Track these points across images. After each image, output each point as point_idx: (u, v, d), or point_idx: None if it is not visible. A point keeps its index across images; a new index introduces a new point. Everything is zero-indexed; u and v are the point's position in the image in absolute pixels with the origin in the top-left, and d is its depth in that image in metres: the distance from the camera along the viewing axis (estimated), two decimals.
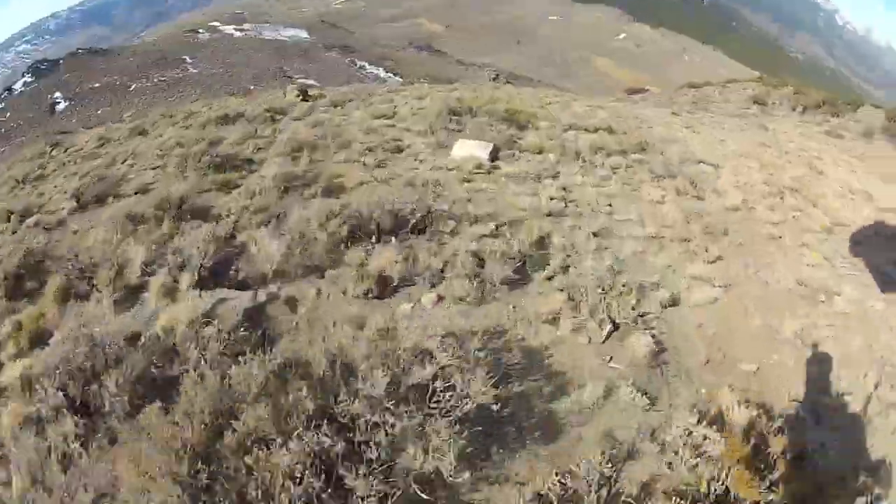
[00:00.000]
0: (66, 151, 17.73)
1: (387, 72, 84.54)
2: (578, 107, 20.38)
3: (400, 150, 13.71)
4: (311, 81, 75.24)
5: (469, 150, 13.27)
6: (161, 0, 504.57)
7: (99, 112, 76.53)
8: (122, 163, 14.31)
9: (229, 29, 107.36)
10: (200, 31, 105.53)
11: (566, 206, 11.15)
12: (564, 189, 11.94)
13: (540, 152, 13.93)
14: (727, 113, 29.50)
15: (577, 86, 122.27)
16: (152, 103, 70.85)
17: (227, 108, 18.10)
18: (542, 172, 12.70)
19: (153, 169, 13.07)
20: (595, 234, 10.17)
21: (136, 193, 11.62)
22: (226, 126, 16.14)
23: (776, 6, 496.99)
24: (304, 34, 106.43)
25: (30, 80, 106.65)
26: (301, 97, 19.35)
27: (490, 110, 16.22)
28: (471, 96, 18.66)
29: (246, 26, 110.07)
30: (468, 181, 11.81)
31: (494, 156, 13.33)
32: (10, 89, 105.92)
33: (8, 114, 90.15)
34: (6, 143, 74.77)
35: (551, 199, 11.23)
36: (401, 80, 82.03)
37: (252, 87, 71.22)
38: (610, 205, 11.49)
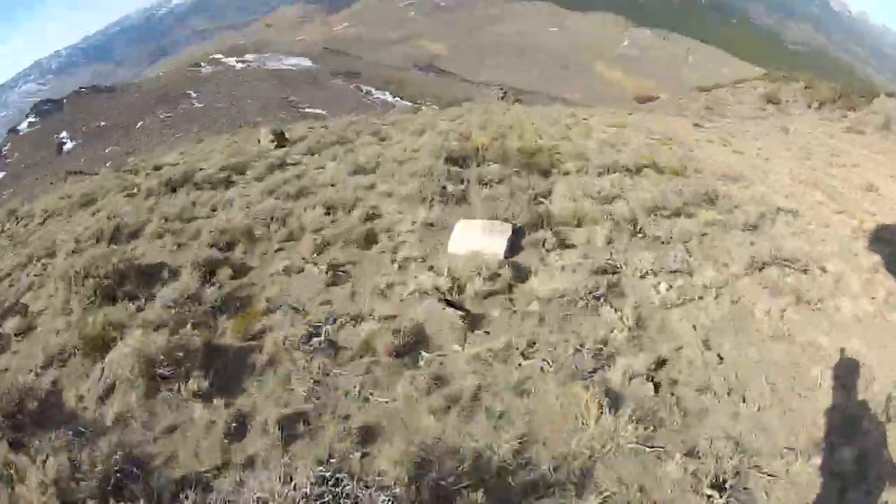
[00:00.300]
0: (18, 222, 13.30)
1: (393, 95, 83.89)
2: (600, 126, 18.66)
3: (373, 238, 9.40)
4: (317, 110, 74.70)
5: (476, 238, 8.83)
6: (163, 35, 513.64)
7: (107, 150, 75.98)
8: (37, 262, 10.03)
9: (231, 61, 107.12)
10: (203, 64, 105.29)
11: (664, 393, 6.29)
12: (639, 323, 7.29)
13: (579, 224, 9.65)
14: (743, 115, 29.02)
15: (584, 97, 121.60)
16: (160, 140, 70.30)
17: (176, 170, 14.05)
18: (593, 285, 7.72)
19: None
20: None
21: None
22: (169, 196, 12.46)
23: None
24: (307, 62, 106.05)
25: (34, 120, 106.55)
26: (276, 142, 16.00)
27: (501, 152, 12.89)
28: (478, 127, 17.21)
29: (248, 57, 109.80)
30: (474, 328, 7.14)
31: (513, 245, 8.87)
32: (15, 130, 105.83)
33: (15, 154, 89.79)
34: (17, 182, 74.12)
35: (630, 378, 6.28)
36: (408, 103, 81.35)
37: (259, 119, 70.49)
38: (726, 367, 6.76)
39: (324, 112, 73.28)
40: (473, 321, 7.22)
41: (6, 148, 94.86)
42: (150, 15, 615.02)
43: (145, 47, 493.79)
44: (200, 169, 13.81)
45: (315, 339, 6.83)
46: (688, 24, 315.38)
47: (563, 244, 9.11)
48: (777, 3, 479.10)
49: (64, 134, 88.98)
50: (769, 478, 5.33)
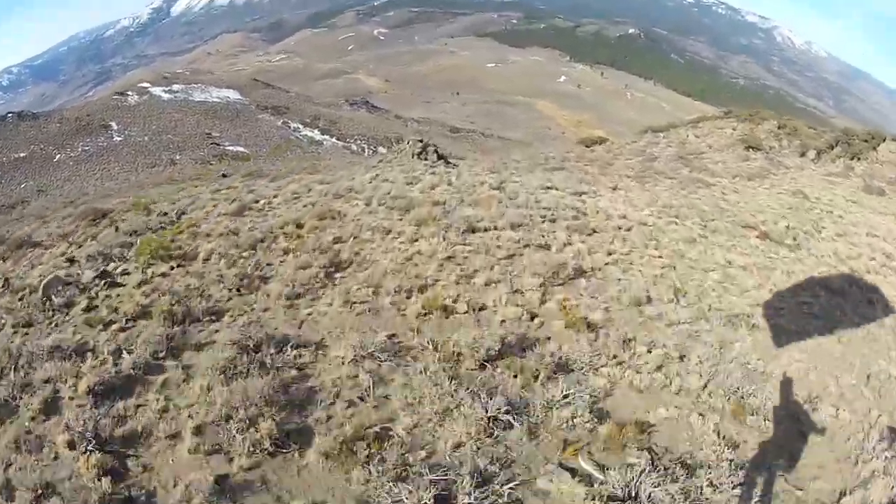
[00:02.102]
0: None
1: (322, 133, 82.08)
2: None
3: None
4: (240, 148, 72.34)
5: None
6: (109, 57, 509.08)
7: (22, 186, 71.94)
8: None
9: (158, 90, 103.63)
10: (129, 93, 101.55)
11: None
12: None
13: None
14: (731, 169, 25.49)
15: (523, 134, 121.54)
16: (71, 178, 66.96)
17: None
18: None
19: None
20: None
21: None
22: None
23: (713, 32, 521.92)
24: (235, 95, 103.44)
25: None
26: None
27: None
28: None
29: (175, 87, 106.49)
30: None
31: None
32: None
33: None
34: None
35: None
36: (338, 141, 79.65)
37: (177, 157, 67.85)
38: None
39: (245, 150, 71.09)
40: None
41: None
42: (98, 35, 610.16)
43: (91, 69, 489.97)
44: None
45: None
46: (625, 59, 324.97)
47: None
48: (718, 37, 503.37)
49: None
50: None
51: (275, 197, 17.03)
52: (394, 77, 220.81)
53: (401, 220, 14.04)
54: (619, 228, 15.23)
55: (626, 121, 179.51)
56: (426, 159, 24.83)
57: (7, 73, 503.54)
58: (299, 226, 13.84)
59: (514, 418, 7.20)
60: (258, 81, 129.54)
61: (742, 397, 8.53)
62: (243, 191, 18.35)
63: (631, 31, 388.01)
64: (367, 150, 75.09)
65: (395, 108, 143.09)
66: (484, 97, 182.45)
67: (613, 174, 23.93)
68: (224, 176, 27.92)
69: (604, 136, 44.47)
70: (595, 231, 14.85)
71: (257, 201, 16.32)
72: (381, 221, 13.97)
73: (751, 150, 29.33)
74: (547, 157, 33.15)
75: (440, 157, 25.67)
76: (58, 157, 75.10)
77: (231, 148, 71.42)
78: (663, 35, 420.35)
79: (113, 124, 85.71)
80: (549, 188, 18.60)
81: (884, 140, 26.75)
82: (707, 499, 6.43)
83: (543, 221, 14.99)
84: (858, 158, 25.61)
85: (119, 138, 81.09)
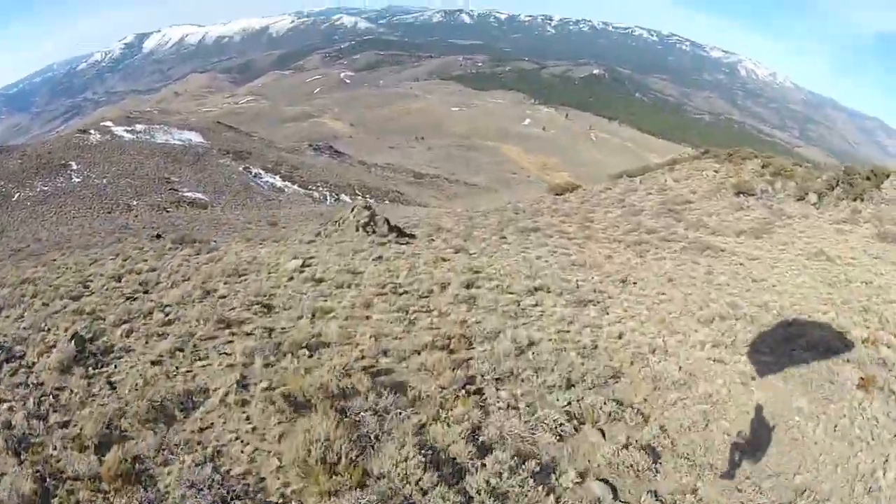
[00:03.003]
0: None
1: (283, 180, 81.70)
2: None
3: None
4: (198, 194, 71.64)
5: None
6: (80, 91, 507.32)
7: None
8: None
9: (121, 130, 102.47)
10: (92, 131, 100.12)
11: None
12: None
13: None
14: (736, 228, 21.88)
15: (487, 179, 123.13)
16: (27, 220, 65.73)
17: None
18: None
19: None
20: None
21: None
22: None
23: (676, 69, 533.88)
24: (198, 138, 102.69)
25: None
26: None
27: None
28: None
29: (138, 127, 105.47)
30: None
31: None
32: None
33: None
34: None
35: None
36: (300, 189, 79.36)
37: (134, 203, 67.04)
38: None
39: (204, 197, 70.44)
40: None
41: None
42: (71, 68, 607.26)
43: (63, 102, 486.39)
44: None
45: None
46: (590, 100, 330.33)
47: None
48: (682, 74, 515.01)
49: None
50: None
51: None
52: (359, 121, 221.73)
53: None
54: (684, 403, 8.15)
55: (592, 162, 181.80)
56: (374, 232, 20.46)
57: None
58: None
59: None
60: (221, 124, 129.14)
61: None
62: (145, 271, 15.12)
63: (595, 71, 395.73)
64: (328, 198, 74.61)
65: (359, 152, 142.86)
66: (449, 141, 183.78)
67: (601, 238, 21.34)
68: (157, 237, 27.04)
69: (573, 182, 44.78)
70: (645, 417, 7.79)
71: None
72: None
73: (742, 195, 26.96)
74: (517, 209, 31.21)
75: (391, 227, 21.27)
76: (17, 195, 73.61)
77: (189, 194, 70.52)
78: (627, 74, 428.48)
79: (73, 164, 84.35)
80: (536, 289, 13.47)
81: (887, 176, 24.62)
82: None
83: (545, 392, 8.08)
84: (862, 199, 23.50)
85: (78, 179, 79.77)
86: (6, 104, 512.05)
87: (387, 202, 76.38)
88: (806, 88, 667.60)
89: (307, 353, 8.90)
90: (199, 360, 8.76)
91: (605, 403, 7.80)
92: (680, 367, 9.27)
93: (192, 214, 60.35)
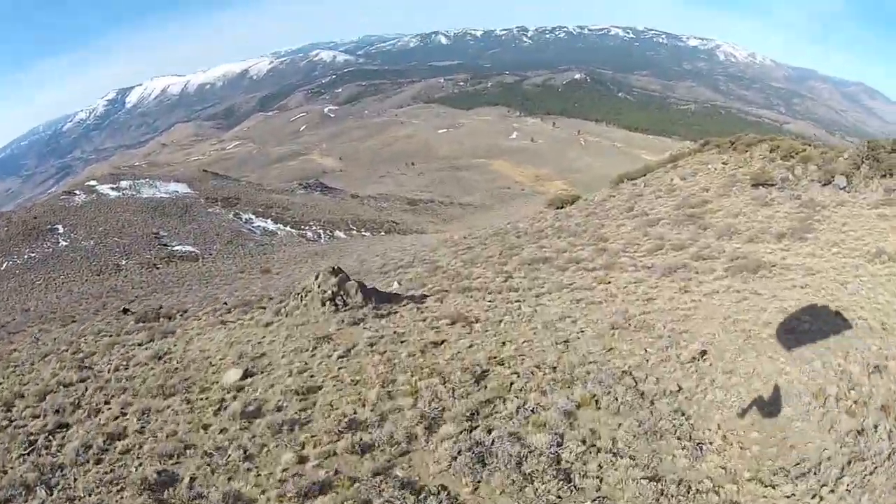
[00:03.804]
0: None
1: (275, 222, 79.86)
2: None
3: None
4: (188, 247, 69.71)
5: None
6: (68, 150, 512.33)
7: None
8: None
9: (105, 188, 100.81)
10: (77, 192, 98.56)
11: None
12: None
13: None
14: (775, 230, 18.85)
15: (482, 197, 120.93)
16: (17, 288, 63.86)
17: None
18: None
19: None
20: None
21: None
22: None
23: (656, 64, 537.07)
24: (184, 189, 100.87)
25: None
26: None
27: None
28: None
29: (123, 184, 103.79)
30: None
31: None
32: None
33: None
34: None
35: None
36: (292, 230, 77.55)
37: (123, 262, 65.14)
38: None
39: (194, 249, 68.50)
40: None
41: None
42: (56, 129, 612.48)
43: (53, 163, 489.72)
44: None
45: None
46: (575, 106, 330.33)
47: None
48: (662, 67, 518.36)
49: None
50: None
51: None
52: (347, 154, 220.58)
53: None
54: None
55: (584, 167, 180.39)
56: (345, 304, 15.88)
57: None
58: None
59: None
60: (207, 172, 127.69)
61: None
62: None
63: (576, 76, 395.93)
64: (322, 236, 72.68)
65: (351, 185, 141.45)
66: (439, 164, 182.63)
67: (625, 265, 18.03)
68: (125, 312, 24.99)
69: (570, 192, 42.51)
70: None
71: None
72: None
73: (761, 187, 24.05)
74: (518, 231, 28.54)
75: (367, 295, 16.43)
76: (4, 265, 72.06)
77: (179, 248, 68.60)
78: (609, 75, 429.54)
79: (59, 227, 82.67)
80: (578, 406, 9.50)
81: None
82: None
83: None
84: (892, 174, 21.04)
85: (65, 243, 77.99)
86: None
87: (382, 233, 74.48)
88: (787, 64, 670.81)
89: None
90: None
91: None
92: None
93: (182, 269, 58.53)
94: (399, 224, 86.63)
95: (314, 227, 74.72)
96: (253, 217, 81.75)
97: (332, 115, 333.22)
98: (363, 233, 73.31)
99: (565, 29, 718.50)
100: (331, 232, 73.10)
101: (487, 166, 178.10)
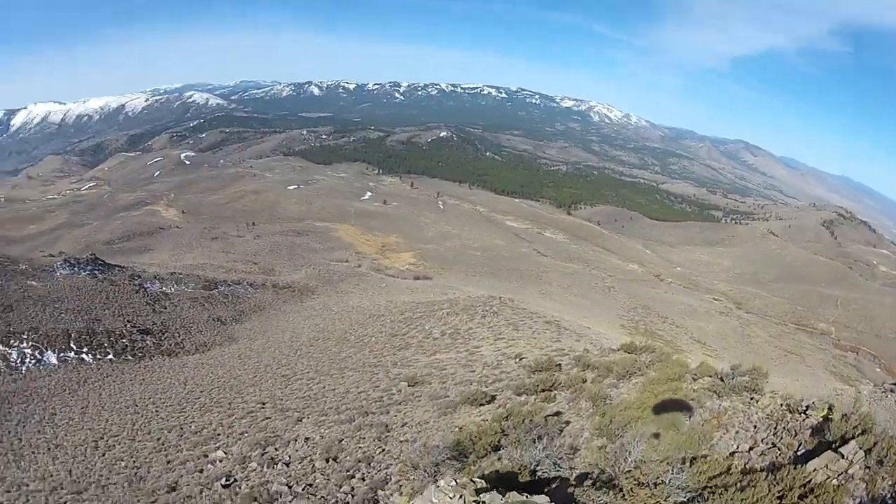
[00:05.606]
0: None
1: None
2: None
3: None
4: None
5: None
6: None
7: None
8: None
9: None
10: None
11: None
12: None
13: None
14: None
15: (309, 275, 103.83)
16: None
17: None
18: None
19: None
20: None
21: None
22: None
23: (528, 123, 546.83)
24: None
25: None
26: None
27: None
28: None
29: None
30: None
31: None
32: None
33: None
34: None
35: None
36: None
37: None
38: None
39: None
40: None
41: None
42: None
43: None
44: None
45: None
46: (439, 165, 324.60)
47: None
48: (534, 127, 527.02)
49: None
50: None
51: None
52: (191, 207, 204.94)
53: None
54: None
55: (439, 235, 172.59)
56: None
57: None
58: None
59: None
60: None
61: None
62: None
63: (443, 133, 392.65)
64: (27, 358, 56.57)
65: (176, 248, 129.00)
66: (281, 227, 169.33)
67: None
68: None
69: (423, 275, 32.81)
70: None
71: None
72: None
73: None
74: None
75: None
76: None
77: None
78: (477, 134, 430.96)
79: None
80: None
81: None
82: None
83: None
84: None
85: None
86: None
87: (111, 357, 59.16)
88: (663, 125, 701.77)
89: None
90: None
91: None
92: None
93: None
94: (143, 343, 64.93)
95: (26, 342, 58.20)
96: None
97: (188, 163, 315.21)
98: (94, 355, 57.93)
99: (438, 86, 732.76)
100: (43, 348, 57.11)
101: (330, 232, 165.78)
